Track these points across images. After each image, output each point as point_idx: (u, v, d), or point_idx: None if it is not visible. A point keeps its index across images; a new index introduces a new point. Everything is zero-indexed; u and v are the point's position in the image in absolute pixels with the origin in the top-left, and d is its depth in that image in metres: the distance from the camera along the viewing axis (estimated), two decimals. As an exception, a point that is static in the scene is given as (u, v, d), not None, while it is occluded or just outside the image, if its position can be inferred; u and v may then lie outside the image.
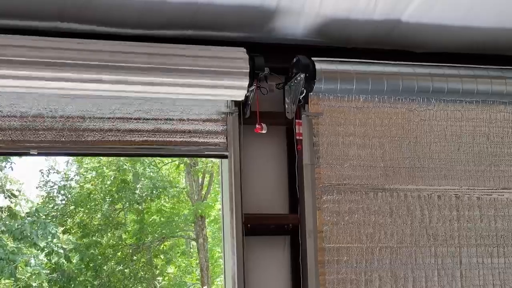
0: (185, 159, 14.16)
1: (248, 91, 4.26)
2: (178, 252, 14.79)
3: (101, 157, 14.02)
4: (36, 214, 12.85)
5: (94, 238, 13.85)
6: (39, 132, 4.15)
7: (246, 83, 4.17)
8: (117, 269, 13.91)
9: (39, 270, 12.42)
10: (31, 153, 4.15)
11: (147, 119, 4.31)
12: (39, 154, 4.22)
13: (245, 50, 4.20)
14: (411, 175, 4.64)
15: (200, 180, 15.11)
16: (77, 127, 4.20)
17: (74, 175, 14.91)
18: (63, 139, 4.18)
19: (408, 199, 4.61)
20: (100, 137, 4.24)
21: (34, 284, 12.42)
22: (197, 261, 14.58)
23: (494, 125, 4.84)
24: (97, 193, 14.43)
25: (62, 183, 14.62)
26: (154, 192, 14.27)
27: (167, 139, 4.33)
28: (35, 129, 4.14)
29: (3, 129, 4.09)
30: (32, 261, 12.55)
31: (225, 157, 4.39)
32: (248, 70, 4.16)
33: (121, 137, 4.27)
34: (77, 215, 14.25)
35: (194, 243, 14.84)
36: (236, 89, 4.20)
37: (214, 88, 4.16)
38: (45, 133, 4.16)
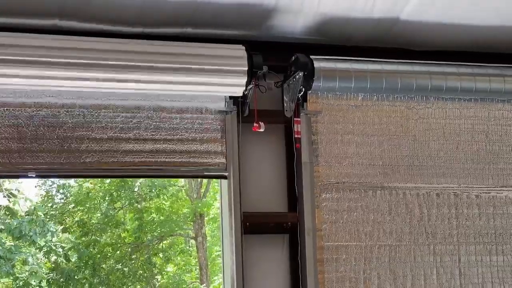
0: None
1: (246, 89, 4.26)
2: (177, 251, 14.79)
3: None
4: (35, 213, 12.85)
5: (93, 237, 13.85)
6: (37, 154, 4.08)
7: (244, 80, 4.18)
8: (116, 267, 13.91)
9: (36, 268, 12.41)
10: (29, 175, 4.09)
11: (146, 139, 4.25)
12: (37, 176, 4.16)
13: (243, 48, 4.20)
14: (409, 173, 4.65)
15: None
16: (75, 148, 4.14)
17: (73, 174, 14.86)
18: (62, 161, 4.12)
19: (407, 197, 4.61)
20: (99, 158, 4.17)
21: (33, 283, 12.41)
22: (196, 260, 14.58)
23: (492, 123, 4.85)
24: (96, 192, 14.42)
25: (61, 182, 14.62)
26: (153, 190, 14.27)
27: (167, 160, 4.27)
28: (32, 151, 4.07)
29: (1, 151, 4.03)
30: (30, 259, 12.54)
31: (225, 177, 4.36)
32: (246, 68, 4.15)
33: (120, 158, 4.21)
34: (76, 214, 14.25)
35: (193, 241, 14.84)
36: (235, 86, 4.20)
37: (212, 86, 4.16)
38: (44, 155, 4.09)
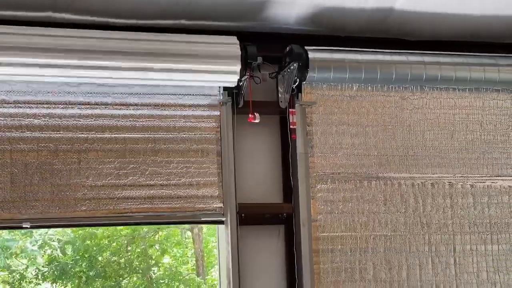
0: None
1: (241, 80, 4.25)
2: (173, 243, 14.80)
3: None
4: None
5: (89, 229, 13.83)
6: (31, 203, 4.00)
7: (238, 71, 4.18)
8: (112, 259, 13.91)
9: (35, 255, 12.41)
10: (23, 226, 3.99)
11: (142, 185, 4.19)
12: (32, 227, 4.06)
13: (235, 37, 4.21)
14: (404, 163, 4.65)
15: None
16: (70, 196, 4.08)
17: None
18: (56, 210, 4.03)
19: (402, 187, 4.62)
20: (95, 206, 4.11)
21: (29, 275, 12.42)
22: (192, 251, 14.60)
23: (487, 113, 4.85)
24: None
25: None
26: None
27: (164, 206, 4.22)
28: (26, 200, 3.98)
29: None
30: (28, 245, 12.52)
31: (222, 222, 4.31)
32: (240, 59, 4.16)
33: (116, 205, 4.15)
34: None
35: (189, 233, 14.85)
36: (229, 75, 4.21)
37: (206, 74, 4.18)
38: (37, 204, 4.00)
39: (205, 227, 14.93)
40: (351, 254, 4.45)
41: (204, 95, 4.37)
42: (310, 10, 4.33)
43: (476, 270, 4.65)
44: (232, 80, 4.26)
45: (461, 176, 4.74)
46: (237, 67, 4.19)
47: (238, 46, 4.19)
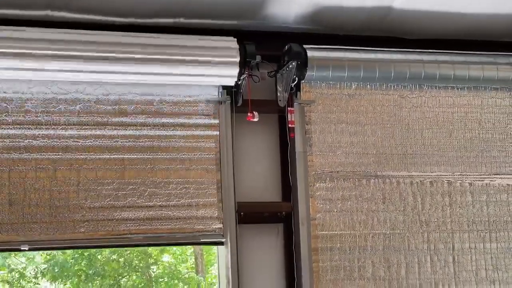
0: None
1: (239, 79, 4.26)
2: (173, 241, 14.80)
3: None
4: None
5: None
6: (29, 225, 3.95)
7: (236, 70, 4.19)
8: (112, 258, 13.92)
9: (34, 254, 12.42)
10: (21, 249, 3.93)
11: (141, 206, 4.16)
12: (31, 249, 3.97)
13: (235, 39, 4.22)
14: (403, 161, 4.66)
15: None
16: (69, 217, 4.03)
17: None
18: (55, 232, 3.99)
19: (401, 185, 4.62)
20: (94, 228, 4.07)
21: (28, 274, 12.42)
22: (192, 250, 14.60)
23: (485, 111, 4.86)
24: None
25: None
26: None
27: (163, 227, 4.19)
28: (24, 222, 3.94)
29: None
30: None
31: (222, 244, 4.29)
32: (238, 58, 4.17)
33: (115, 226, 4.12)
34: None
35: (188, 231, 14.86)
36: (228, 76, 4.22)
37: (205, 76, 4.19)
38: (36, 226, 3.96)
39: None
40: (350, 252, 4.46)
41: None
42: (309, 9, 4.33)
43: (474, 268, 4.66)
44: (231, 78, 4.26)
45: (460, 174, 4.74)
46: (236, 66, 4.19)
47: (237, 45, 4.20)
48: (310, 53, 4.38)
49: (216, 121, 4.37)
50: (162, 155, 4.25)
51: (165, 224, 4.19)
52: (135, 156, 4.20)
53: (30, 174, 4.02)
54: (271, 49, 4.44)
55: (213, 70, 4.17)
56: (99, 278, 13.18)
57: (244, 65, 4.22)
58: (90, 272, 13.52)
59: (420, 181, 4.66)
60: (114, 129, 4.19)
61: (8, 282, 11.88)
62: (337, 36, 4.65)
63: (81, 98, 4.15)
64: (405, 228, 4.58)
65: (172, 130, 4.30)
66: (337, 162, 4.53)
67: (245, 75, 4.27)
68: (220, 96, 4.39)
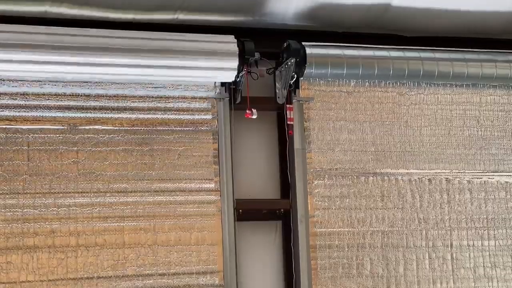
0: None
1: (238, 76, 4.25)
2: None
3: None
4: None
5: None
6: None
7: (235, 64, 4.19)
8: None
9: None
10: None
11: (142, 275, 4.09)
12: None
13: (233, 37, 4.21)
14: (402, 159, 4.66)
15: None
16: None
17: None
18: None
19: (399, 183, 4.63)
20: None
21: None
22: None
23: (484, 109, 4.86)
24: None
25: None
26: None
27: None
28: None
29: None
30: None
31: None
32: (236, 51, 4.17)
33: None
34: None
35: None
36: (226, 71, 4.22)
37: (204, 70, 4.18)
38: None
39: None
40: (348, 250, 4.46)
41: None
42: (307, 6, 4.33)
43: (473, 266, 4.67)
44: (229, 75, 4.25)
45: (458, 172, 4.74)
46: (235, 63, 4.18)
47: (236, 42, 4.20)
48: (308, 50, 4.38)
49: (215, 118, 4.37)
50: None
51: None
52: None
53: (29, 241, 3.95)
54: (269, 46, 4.44)
55: (212, 67, 4.17)
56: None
57: (242, 62, 4.22)
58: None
59: (419, 178, 4.66)
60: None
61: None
62: (336, 33, 4.65)
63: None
64: (403, 225, 4.59)
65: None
66: (336, 159, 4.53)
67: (243, 72, 4.26)
68: (218, 93, 4.38)
